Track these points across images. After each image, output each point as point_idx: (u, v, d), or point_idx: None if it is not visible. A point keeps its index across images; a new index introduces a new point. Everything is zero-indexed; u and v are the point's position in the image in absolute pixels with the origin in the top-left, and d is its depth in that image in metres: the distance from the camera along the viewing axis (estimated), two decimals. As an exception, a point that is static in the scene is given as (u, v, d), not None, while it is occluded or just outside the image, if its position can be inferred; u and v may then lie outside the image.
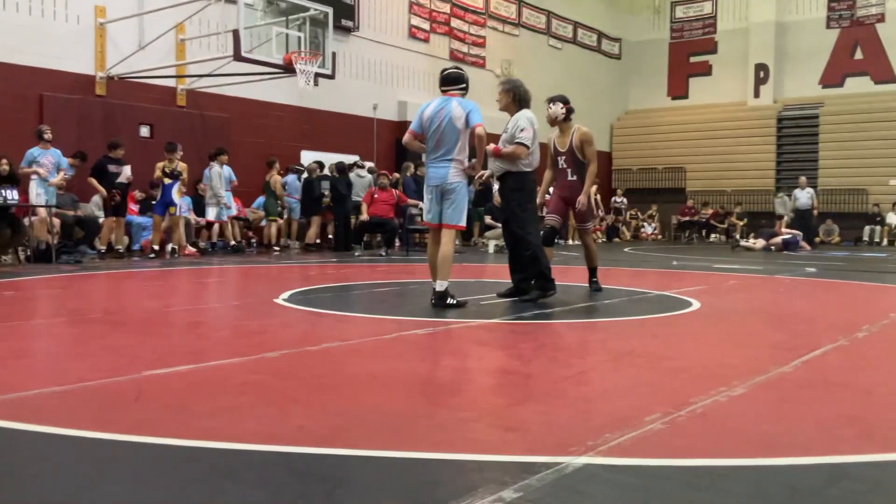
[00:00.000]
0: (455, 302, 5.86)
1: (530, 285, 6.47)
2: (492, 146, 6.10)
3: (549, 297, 6.40)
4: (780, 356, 4.04)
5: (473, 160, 6.15)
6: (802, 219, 18.83)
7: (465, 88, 6.16)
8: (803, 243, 17.56)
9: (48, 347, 4.45)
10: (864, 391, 3.34)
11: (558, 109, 6.98)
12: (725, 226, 23.78)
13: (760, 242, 17.59)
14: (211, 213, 13.31)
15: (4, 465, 2.25)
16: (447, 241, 5.98)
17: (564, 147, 7.02)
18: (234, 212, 13.59)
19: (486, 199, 15.94)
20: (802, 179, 20.22)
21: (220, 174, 13.27)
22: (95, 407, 2.91)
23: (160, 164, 11.98)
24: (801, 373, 3.65)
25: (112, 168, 11.35)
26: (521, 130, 6.26)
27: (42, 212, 10.45)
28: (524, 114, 6.37)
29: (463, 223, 6.13)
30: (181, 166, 12.08)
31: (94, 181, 11.39)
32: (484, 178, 6.76)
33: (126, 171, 11.43)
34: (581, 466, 2.22)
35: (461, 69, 6.34)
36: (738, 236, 21.29)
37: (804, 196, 19.55)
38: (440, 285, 5.89)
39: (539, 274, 6.39)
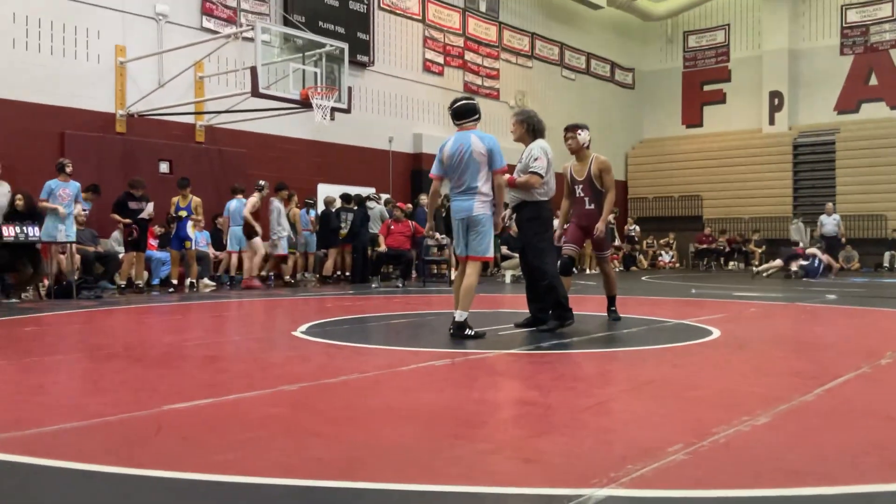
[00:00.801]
0: (473, 333, 5.85)
1: (548, 315, 6.45)
2: (507, 176, 6.12)
3: (566, 326, 6.37)
4: (802, 384, 3.99)
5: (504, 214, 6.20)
6: (830, 247, 18.55)
7: (478, 118, 6.17)
8: (828, 258, 17.16)
9: (68, 383, 4.47)
10: (888, 418, 3.28)
11: (587, 136, 7.01)
12: (744, 251, 23.65)
13: (778, 262, 17.35)
14: (280, 248, 13.55)
15: (24, 501, 2.25)
16: (471, 273, 5.98)
17: (582, 176, 7.03)
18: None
19: (502, 229, 15.97)
20: (829, 206, 19.96)
21: (280, 210, 13.51)
22: (115, 442, 2.91)
23: (174, 200, 12.13)
24: (824, 401, 3.60)
25: (132, 205, 11.49)
26: (535, 160, 6.28)
27: (54, 247, 10.54)
28: (538, 143, 6.40)
29: (489, 254, 6.14)
30: (195, 201, 12.21)
31: (116, 216, 11.52)
32: (506, 219, 6.77)
33: (149, 208, 11.58)
34: (604, 499, 2.19)
35: (472, 98, 6.35)
36: (756, 264, 21.07)
37: (831, 223, 19.25)
38: (459, 315, 5.88)
39: (556, 304, 6.37)
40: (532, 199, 6.37)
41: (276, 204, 13.63)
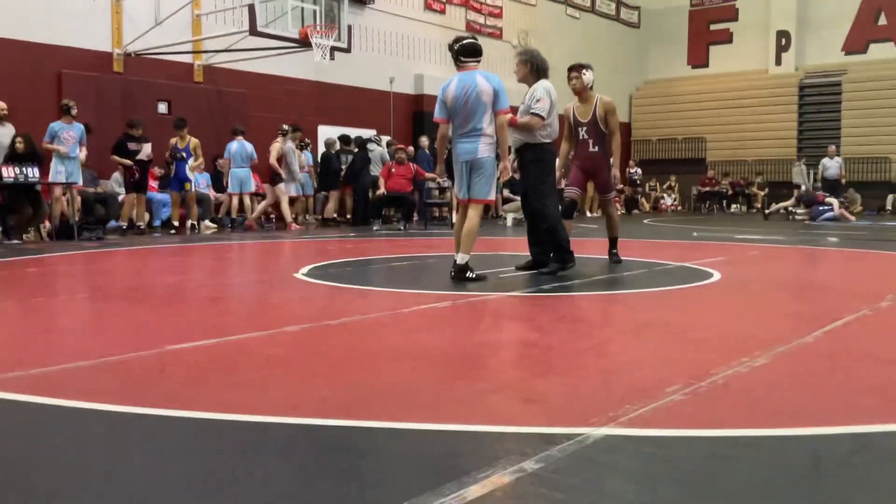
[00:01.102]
0: (474, 275, 5.86)
1: (549, 258, 6.45)
2: (508, 116, 6.05)
3: (568, 269, 6.37)
4: (802, 326, 4.01)
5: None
6: (832, 189, 18.48)
7: (481, 59, 6.05)
8: (842, 211, 17.16)
9: (71, 323, 4.50)
10: (887, 361, 3.31)
11: (591, 77, 6.91)
12: (747, 194, 23.59)
13: (791, 201, 17.28)
14: (292, 190, 13.55)
15: (30, 439, 2.29)
16: (473, 215, 5.95)
17: (587, 118, 6.93)
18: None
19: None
20: (832, 148, 19.74)
21: (294, 150, 13.49)
22: (119, 381, 2.94)
23: (172, 141, 12.03)
24: (824, 343, 3.62)
25: (132, 146, 11.40)
26: (537, 101, 6.19)
27: (58, 189, 10.51)
28: (541, 84, 6.30)
29: (491, 197, 6.10)
30: (193, 142, 12.10)
31: (116, 158, 11.44)
32: (512, 165, 6.71)
33: (146, 149, 11.48)
34: (602, 437, 2.22)
35: (475, 38, 6.23)
36: (758, 207, 20.98)
37: (834, 165, 19.11)
38: (461, 258, 5.88)
39: (558, 247, 6.36)
40: (535, 142, 6.30)
41: (290, 145, 13.56)
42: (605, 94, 7.04)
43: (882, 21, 23.96)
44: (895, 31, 23.68)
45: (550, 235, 6.34)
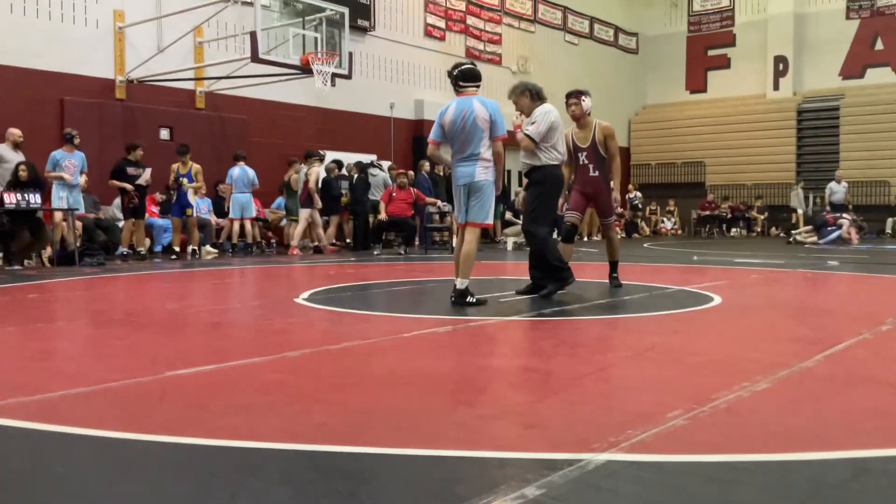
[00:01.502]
0: (475, 300, 5.86)
1: (544, 281, 6.45)
2: (509, 141, 6.10)
3: (568, 286, 6.38)
4: (802, 350, 4.01)
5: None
6: (840, 213, 18.29)
7: (480, 84, 6.10)
8: (851, 230, 17.08)
9: (71, 349, 4.50)
10: (887, 385, 3.30)
11: (590, 103, 6.95)
12: (747, 217, 23.63)
13: (809, 227, 17.16)
14: (305, 215, 13.68)
15: (29, 466, 2.28)
16: (470, 240, 5.97)
17: (586, 143, 6.97)
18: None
19: (504, 197, 15.93)
20: (840, 173, 19.64)
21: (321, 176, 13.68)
22: (119, 407, 2.94)
23: (174, 166, 12.08)
24: (824, 367, 3.62)
25: (130, 171, 11.42)
26: (531, 123, 6.30)
27: (58, 215, 10.57)
28: (540, 108, 6.38)
29: (489, 221, 6.11)
30: (195, 167, 12.16)
31: (115, 182, 11.47)
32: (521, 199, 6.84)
33: (146, 174, 11.51)
34: (603, 463, 2.21)
35: (474, 64, 6.30)
36: (778, 232, 20.52)
37: (840, 190, 18.94)
38: (460, 283, 5.89)
39: (551, 267, 6.35)
40: (539, 164, 6.37)
41: (303, 172, 13.71)
42: (602, 119, 7.10)
43: (879, 46, 24.14)
44: (892, 56, 23.86)
45: (540, 257, 6.37)
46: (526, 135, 6.27)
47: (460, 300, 5.85)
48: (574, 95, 6.98)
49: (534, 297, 6.40)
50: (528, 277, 6.68)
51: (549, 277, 6.43)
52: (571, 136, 7.07)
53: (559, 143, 6.41)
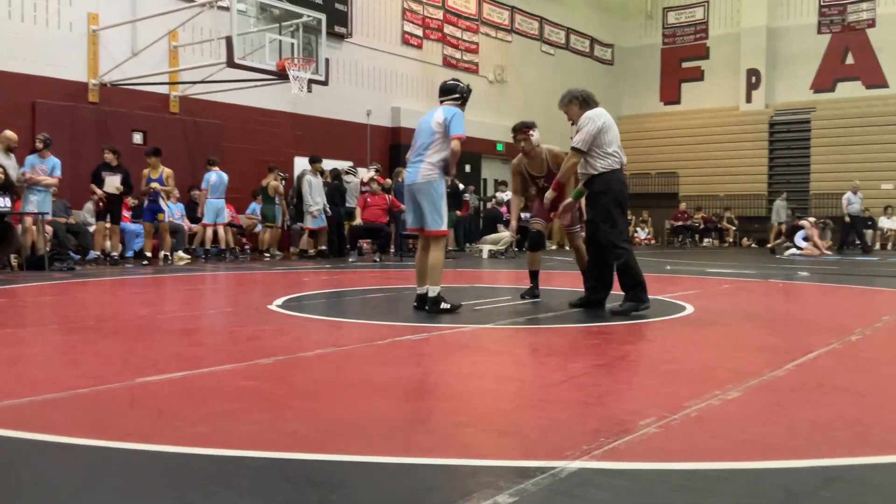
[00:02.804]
0: (448, 306, 5.86)
1: (604, 295, 6.25)
2: (461, 141, 5.94)
3: (642, 310, 5.91)
4: (773, 359, 4.05)
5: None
6: (860, 223, 17.99)
7: (460, 99, 6.13)
8: (814, 232, 17.15)
9: (40, 355, 4.43)
10: (857, 393, 3.34)
11: (538, 136, 6.82)
12: (719, 228, 23.89)
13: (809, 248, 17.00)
14: (308, 222, 13.73)
15: (-4, 473, 2.24)
16: (434, 248, 6.00)
17: (542, 172, 6.93)
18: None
19: (456, 203, 15.89)
20: (857, 183, 19.56)
21: (310, 182, 13.70)
22: (88, 414, 2.89)
23: (145, 172, 11.97)
24: (795, 376, 3.65)
25: (105, 175, 11.31)
26: (577, 132, 5.95)
27: (29, 220, 10.43)
28: (585, 115, 6.02)
29: (442, 227, 6.01)
30: (166, 172, 12.04)
31: (94, 187, 11.32)
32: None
33: (114, 181, 11.31)
34: (576, 470, 2.21)
35: (458, 80, 6.36)
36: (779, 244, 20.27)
37: (857, 201, 18.66)
38: (432, 290, 5.89)
39: (635, 284, 5.94)
40: (596, 172, 5.99)
41: (308, 177, 13.66)
42: (547, 144, 7.00)
43: (850, 60, 24.57)
44: (862, 70, 24.28)
45: (625, 273, 5.94)
46: (573, 149, 5.92)
47: (434, 307, 5.85)
48: (522, 130, 6.80)
49: (582, 310, 6.17)
50: (501, 285, 6.65)
51: (605, 290, 6.18)
52: (524, 168, 7.02)
53: (614, 146, 6.02)
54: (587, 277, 6.41)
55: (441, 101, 6.15)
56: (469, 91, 6.25)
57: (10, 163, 10.35)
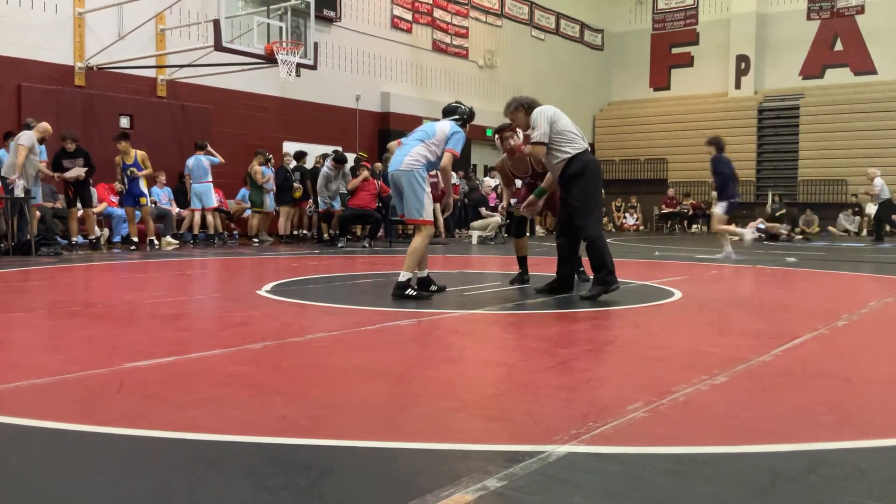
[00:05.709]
0: (414, 293, 5.83)
1: (573, 279, 6.37)
2: (452, 156, 6.01)
3: (611, 292, 5.95)
4: (760, 345, 4.07)
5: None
6: (891, 209, 17.35)
7: (460, 120, 6.19)
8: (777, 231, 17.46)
9: (28, 340, 4.40)
10: (843, 379, 3.37)
11: (520, 136, 6.80)
12: (708, 214, 23.96)
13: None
14: (322, 206, 13.75)
15: (-17, 458, 2.23)
16: (418, 235, 6.00)
17: (526, 170, 6.97)
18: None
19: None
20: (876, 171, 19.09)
21: (323, 172, 13.72)
22: (76, 399, 2.88)
23: (118, 159, 11.85)
24: (782, 361, 3.68)
25: (66, 163, 11.12)
26: (533, 130, 5.99)
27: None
28: (533, 113, 6.06)
29: (423, 216, 5.95)
30: (140, 154, 11.91)
31: (48, 171, 11.13)
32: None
33: (77, 169, 11.10)
34: (564, 455, 2.22)
35: (460, 103, 6.45)
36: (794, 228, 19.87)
37: (887, 186, 17.89)
38: (403, 276, 5.87)
39: (600, 267, 5.95)
40: (569, 156, 5.95)
41: (325, 170, 13.64)
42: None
43: (838, 47, 24.62)
44: (850, 57, 24.34)
45: (592, 254, 5.96)
46: (534, 143, 5.96)
47: (399, 292, 5.80)
48: (507, 130, 6.79)
49: (559, 296, 6.20)
50: (497, 271, 6.66)
51: (594, 278, 6.12)
52: (508, 168, 7.07)
53: (571, 128, 6.03)
54: (561, 260, 6.42)
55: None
56: (471, 114, 6.31)
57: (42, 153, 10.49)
